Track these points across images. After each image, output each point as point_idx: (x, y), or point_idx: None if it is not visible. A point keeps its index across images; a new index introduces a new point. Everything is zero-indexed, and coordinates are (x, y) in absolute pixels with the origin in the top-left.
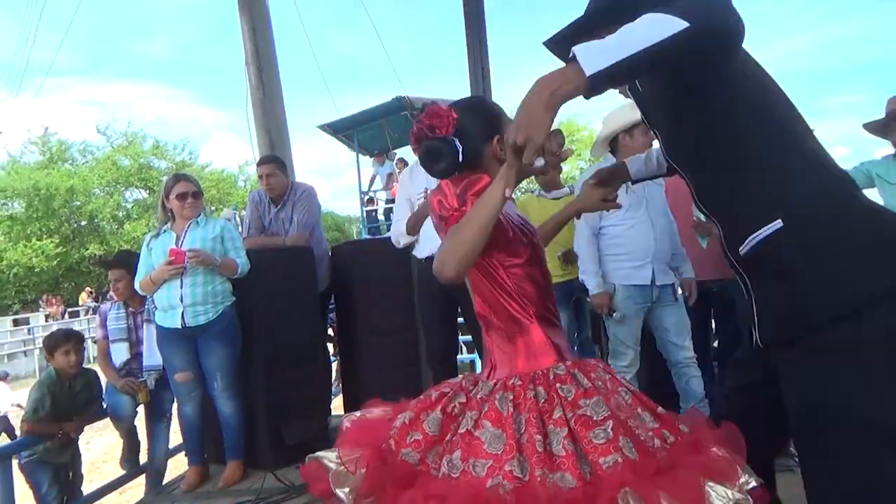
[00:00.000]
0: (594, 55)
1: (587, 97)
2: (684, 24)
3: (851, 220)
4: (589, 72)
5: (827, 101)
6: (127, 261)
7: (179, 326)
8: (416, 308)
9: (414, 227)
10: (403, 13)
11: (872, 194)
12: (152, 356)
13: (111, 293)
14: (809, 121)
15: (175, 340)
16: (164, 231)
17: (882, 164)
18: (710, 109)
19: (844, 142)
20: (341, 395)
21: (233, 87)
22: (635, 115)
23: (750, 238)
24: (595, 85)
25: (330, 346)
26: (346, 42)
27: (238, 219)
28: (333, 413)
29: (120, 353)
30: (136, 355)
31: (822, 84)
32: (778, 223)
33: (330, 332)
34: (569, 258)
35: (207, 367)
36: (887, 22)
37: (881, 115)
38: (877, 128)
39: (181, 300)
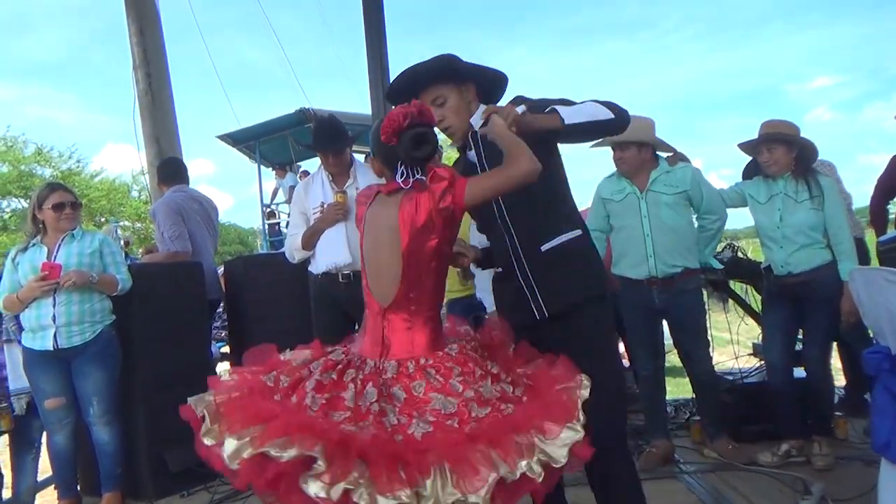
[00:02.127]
0: (569, 114)
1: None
2: (610, 115)
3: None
4: (567, 122)
5: (712, 125)
6: None
7: (51, 348)
8: (312, 325)
9: (309, 242)
10: (307, 23)
11: (745, 213)
12: (18, 378)
13: None
14: (695, 145)
15: (45, 364)
16: (34, 244)
17: (753, 185)
18: (552, 164)
19: (730, 163)
20: None
21: (125, 93)
22: (640, 134)
23: (556, 238)
24: (568, 130)
25: (224, 366)
26: (248, 49)
27: (119, 233)
28: None
29: None
30: (1, 380)
31: (707, 110)
32: (578, 231)
33: (226, 349)
34: (466, 274)
35: (82, 392)
36: (765, 53)
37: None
38: (749, 148)
39: (53, 320)
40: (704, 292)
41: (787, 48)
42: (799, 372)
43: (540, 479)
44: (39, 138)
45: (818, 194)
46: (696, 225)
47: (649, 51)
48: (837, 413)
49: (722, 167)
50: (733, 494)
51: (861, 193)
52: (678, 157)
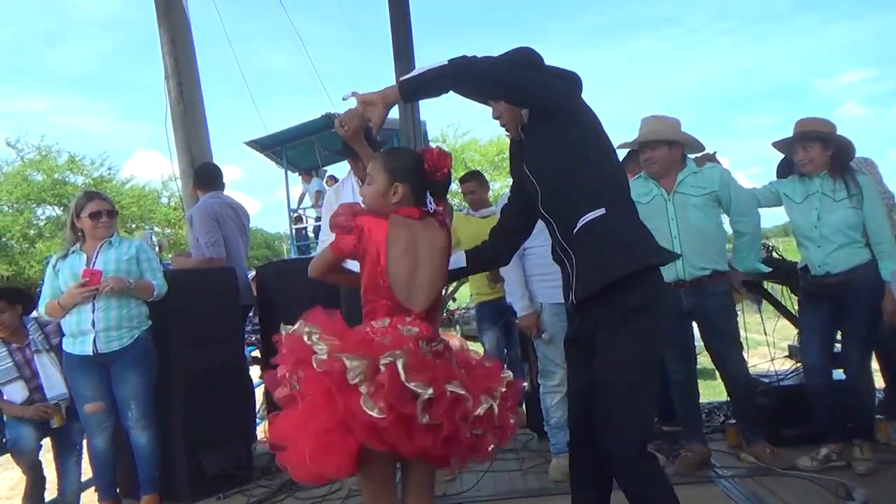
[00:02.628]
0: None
1: (406, 101)
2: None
3: (634, 219)
4: (402, 79)
5: (740, 122)
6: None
7: (91, 353)
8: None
9: None
10: (332, 30)
11: (780, 212)
12: (53, 386)
13: None
14: (724, 141)
15: (85, 369)
16: (73, 252)
17: (789, 184)
18: (566, 140)
19: (758, 161)
20: (266, 422)
21: (156, 102)
22: (669, 133)
23: (581, 220)
24: (404, 89)
25: (255, 370)
26: (275, 56)
27: (154, 239)
28: (259, 439)
29: (16, 393)
30: (37, 388)
31: (735, 107)
32: (602, 210)
33: (256, 354)
34: (496, 277)
35: (121, 396)
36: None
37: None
38: (784, 146)
39: (93, 325)
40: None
41: (816, 42)
42: (837, 374)
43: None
44: (71, 147)
45: (856, 192)
46: (728, 229)
47: (677, 47)
48: (878, 416)
49: (750, 165)
50: (772, 499)
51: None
52: (706, 158)
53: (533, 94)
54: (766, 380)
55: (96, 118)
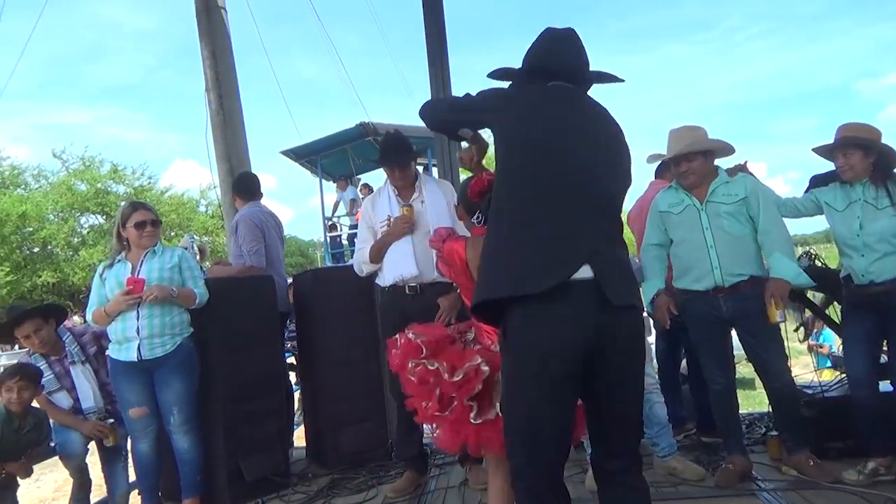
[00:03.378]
0: None
1: None
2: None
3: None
4: None
5: (777, 126)
6: (29, 313)
7: (136, 360)
8: (378, 338)
9: (377, 255)
10: (366, 39)
11: (821, 221)
12: (87, 399)
13: (27, 349)
14: (760, 146)
15: (130, 374)
16: (119, 260)
17: (830, 192)
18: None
19: (797, 166)
20: (303, 426)
21: (194, 112)
22: (703, 143)
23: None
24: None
25: (293, 375)
26: (309, 66)
27: (196, 248)
28: (296, 445)
29: (62, 401)
30: (78, 399)
31: (772, 112)
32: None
33: (293, 360)
34: None
35: (164, 402)
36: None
37: (830, 140)
38: (825, 152)
39: (137, 332)
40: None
41: (857, 43)
42: (884, 386)
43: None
44: (113, 157)
45: None
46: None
47: (711, 52)
48: None
49: (788, 170)
50: None
51: None
52: (738, 169)
53: (446, 128)
54: (810, 391)
55: (136, 129)
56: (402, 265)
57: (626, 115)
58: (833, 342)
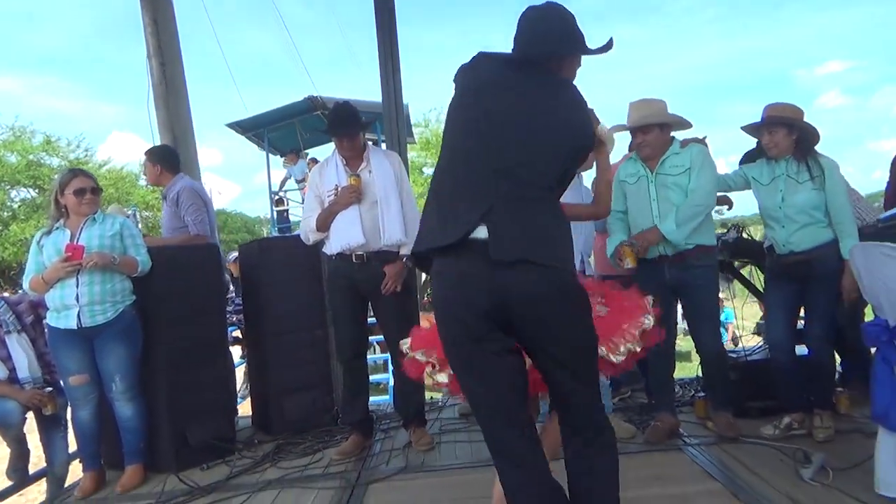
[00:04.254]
0: None
1: None
2: None
3: (432, 205)
4: None
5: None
6: None
7: (75, 327)
8: (325, 306)
9: (324, 223)
10: (314, 12)
11: (749, 195)
12: (21, 368)
13: None
14: (706, 131)
15: (70, 342)
16: (58, 228)
17: (756, 168)
18: None
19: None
20: (249, 399)
21: (133, 83)
22: (661, 116)
23: None
24: None
25: (236, 350)
26: (256, 39)
27: (138, 217)
28: (241, 415)
29: None
30: (14, 369)
31: (719, 96)
32: None
33: (237, 334)
34: None
35: (105, 369)
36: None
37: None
38: (752, 130)
39: (77, 300)
40: None
41: (798, 31)
42: (801, 350)
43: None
44: (47, 128)
45: (819, 174)
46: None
47: (662, 36)
48: (839, 389)
49: (731, 153)
50: (735, 465)
51: (872, 180)
52: (695, 141)
53: None
54: (734, 355)
55: (72, 99)
56: (348, 234)
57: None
58: (733, 318)
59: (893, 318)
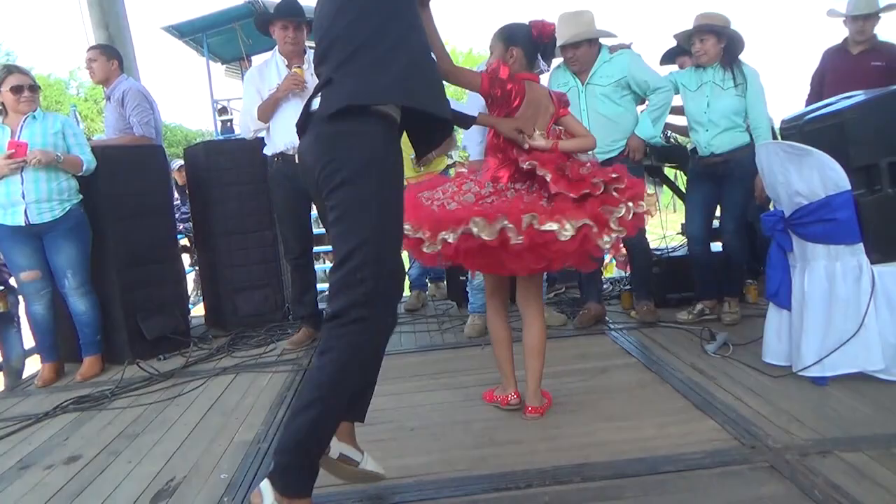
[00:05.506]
0: None
1: None
2: None
3: None
4: None
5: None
6: None
7: (23, 224)
8: (271, 208)
9: (265, 113)
10: None
11: (677, 101)
12: None
13: None
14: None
15: (19, 238)
16: None
17: (686, 74)
18: None
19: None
20: (202, 303)
21: None
22: (590, 31)
23: None
24: None
25: (184, 259)
26: None
27: (78, 116)
28: (195, 315)
29: None
30: None
31: None
32: None
33: (185, 242)
34: (421, 162)
35: (57, 265)
36: None
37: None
38: (683, 38)
39: (23, 196)
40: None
41: None
42: (716, 248)
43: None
44: None
45: (742, 82)
46: (642, 108)
47: None
48: (749, 281)
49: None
50: (651, 344)
51: None
52: (621, 46)
53: None
54: (659, 253)
55: None
56: (291, 132)
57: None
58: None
59: (788, 209)
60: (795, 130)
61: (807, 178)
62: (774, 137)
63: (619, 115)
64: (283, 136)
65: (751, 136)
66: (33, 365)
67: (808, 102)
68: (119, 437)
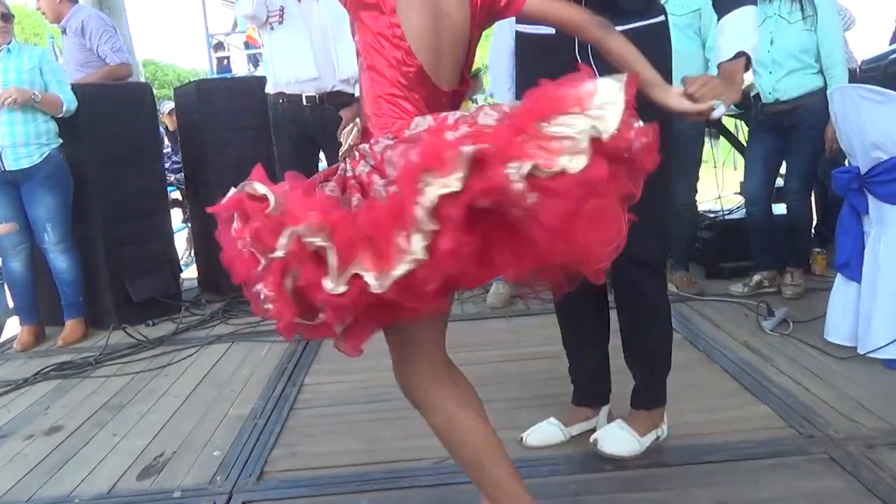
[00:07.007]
0: None
1: None
2: None
3: None
4: None
5: None
6: None
7: None
8: (275, 158)
9: None
10: None
11: None
12: None
13: None
14: None
15: None
16: None
17: None
18: None
19: None
20: (194, 265)
21: None
22: None
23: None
24: None
25: (176, 214)
26: None
27: (57, 50)
28: (188, 278)
29: None
30: None
31: None
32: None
33: (176, 195)
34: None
35: (35, 218)
36: None
37: None
38: None
39: None
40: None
41: None
42: (779, 208)
43: None
44: None
45: (811, 14)
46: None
47: None
48: (817, 249)
49: None
50: (698, 318)
51: None
52: None
53: None
54: (713, 214)
55: None
56: (297, 65)
57: None
58: None
59: (865, 165)
60: (877, 72)
61: (887, 128)
62: (852, 80)
63: (690, 55)
64: (288, 68)
65: (825, 79)
66: (13, 328)
67: (894, 40)
68: (103, 407)
